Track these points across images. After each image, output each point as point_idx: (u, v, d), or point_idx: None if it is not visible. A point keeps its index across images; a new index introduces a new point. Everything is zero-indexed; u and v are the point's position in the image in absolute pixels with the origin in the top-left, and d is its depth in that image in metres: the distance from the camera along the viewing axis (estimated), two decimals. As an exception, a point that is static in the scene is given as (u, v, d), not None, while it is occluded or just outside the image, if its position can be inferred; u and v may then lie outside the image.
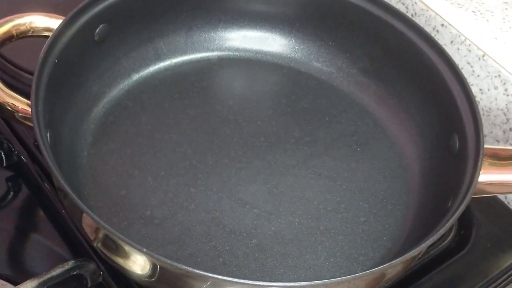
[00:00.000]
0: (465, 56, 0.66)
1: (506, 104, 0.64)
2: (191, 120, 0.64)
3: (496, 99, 0.65)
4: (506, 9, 0.68)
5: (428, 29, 0.67)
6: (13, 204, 0.61)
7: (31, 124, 0.51)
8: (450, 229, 0.61)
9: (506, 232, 0.62)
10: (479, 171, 0.53)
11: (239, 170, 0.61)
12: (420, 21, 0.69)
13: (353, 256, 0.57)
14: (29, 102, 0.53)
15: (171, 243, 0.55)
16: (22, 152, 0.62)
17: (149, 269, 0.47)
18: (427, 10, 0.68)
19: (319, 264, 0.56)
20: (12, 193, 0.62)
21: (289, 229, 0.58)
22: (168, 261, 0.45)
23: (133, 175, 0.60)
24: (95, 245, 0.50)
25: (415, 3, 0.69)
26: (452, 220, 0.50)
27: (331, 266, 0.56)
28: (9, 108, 0.55)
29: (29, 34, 0.59)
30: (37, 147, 0.57)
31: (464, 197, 0.52)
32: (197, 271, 0.45)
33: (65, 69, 0.58)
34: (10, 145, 0.63)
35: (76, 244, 0.57)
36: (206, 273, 0.44)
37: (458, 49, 0.66)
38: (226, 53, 0.70)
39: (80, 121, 0.61)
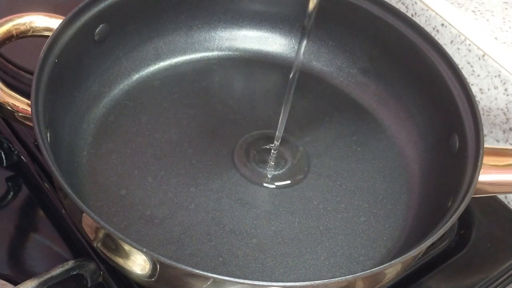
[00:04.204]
0: (465, 56, 0.66)
1: (506, 104, 0.64)
2: (191, 120, 0.64)
3: (496, 99, 0.65)
4: (506, 9, 0.68)
5: (428, 29, 0.67)
6: (13, 204, 0.61)
7: (31, 124, 0.51)
8: (450, 229, 0.61)
9: (506, 232, 0.62)
10: (479, 171, 0.53)
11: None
12: (420, 21, 0.69)
13: (353, 256, 0.57)
14: (29, 102, 0.53)
15: (171, 243, 0.55)
16: (22, 152, 0.62)
17: (149, 269, 0.47)
18: (427, 10, 0.68)
19: (319, 264, 0.56)
20: (12, 193, 0.62)
21: (289, 229, 0.58)
22: (168, 261, 0.45)
23: (133, 175, 0.60)
24: (95, 245, 0.50)
25: (415, 3, 0.69)
26: (452, 220, 0.50)
27: (331, 266, 0.56)
28: (9, 108, 0.55)
29: (29, 34, 0.59)
30: (37, 147, 0.57)
31: (464, 197, 0.52)
32: (197, 270, 0.45)
33: (65, 69, 0.58)
34: (10, 145, 0.63)
35: (76, 244, 0.57)
36: (206, 273, 0.44)
37: (458, 49, 0.66)
38: (226, 53, 0.70)
39: (80, 121, 0.61)
